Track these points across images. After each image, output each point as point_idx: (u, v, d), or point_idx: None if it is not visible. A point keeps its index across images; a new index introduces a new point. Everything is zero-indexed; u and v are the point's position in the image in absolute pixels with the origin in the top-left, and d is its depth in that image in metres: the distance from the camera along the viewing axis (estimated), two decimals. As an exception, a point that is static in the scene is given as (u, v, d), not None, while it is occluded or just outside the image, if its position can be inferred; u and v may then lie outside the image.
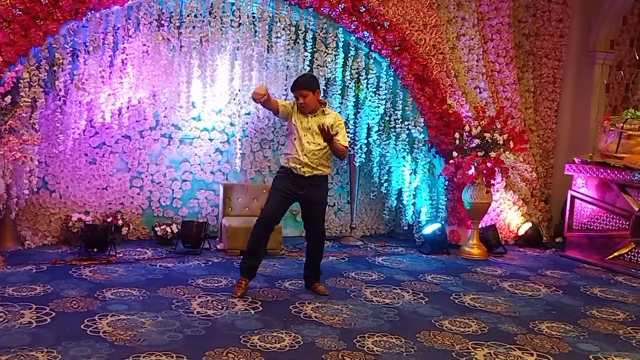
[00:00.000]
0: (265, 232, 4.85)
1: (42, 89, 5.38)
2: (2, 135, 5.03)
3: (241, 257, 5.04)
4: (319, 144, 4.77)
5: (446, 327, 4.42)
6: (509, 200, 7.65)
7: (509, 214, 7.70)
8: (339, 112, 6.63)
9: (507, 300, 5.21)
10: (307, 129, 4.79)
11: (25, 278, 4.98)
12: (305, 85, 4.78)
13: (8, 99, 4.95)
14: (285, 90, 6.38)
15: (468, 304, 5.04)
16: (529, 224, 7.74)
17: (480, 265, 6.44)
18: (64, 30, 5.36)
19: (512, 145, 6.72)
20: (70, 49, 5.45)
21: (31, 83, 5.28)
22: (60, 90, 5.51)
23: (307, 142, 4.77)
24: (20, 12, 5.10)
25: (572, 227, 7.16)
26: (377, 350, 3.87)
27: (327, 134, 4.63)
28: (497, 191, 7.35)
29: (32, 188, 5.68)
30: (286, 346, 3.85)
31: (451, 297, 5.20)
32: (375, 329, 4.27)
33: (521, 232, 7.74)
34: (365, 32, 6.33)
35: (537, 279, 6.04)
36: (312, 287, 5.09)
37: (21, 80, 5.19)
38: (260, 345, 3.83)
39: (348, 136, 6.73)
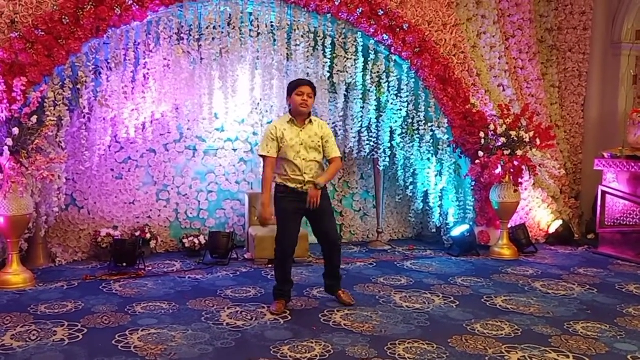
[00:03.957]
0: (289, 259, 4.83)
1: (67, 108, 5.47)
2: (29, 154, 5.11)
3: (274, 278, 4.94)
4: (314, 158, 4.73)
5: (478, 330, 4.35)
6: (538, 198, 7.53)
7: (539, 212, 7.58)
8: (361, 117, 6.63)
9: (540, 300, 5.12)
10: (300, 144, 4.69)
11: (57, 295, 5.05)
12: (312, 85, 4.77)
13: (34, 118, 5.02)
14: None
15: (500, 306, 4.96)
16: (560, 222, 7.60)
17: (511, 266, 6.34)
18: (86, 48, 5.44)
19: (538, 142, 6.63)
20: (93, 66, 5.53)
21: (56, 102, 5.37)
22: (84, 107, 5.58)
23: (304, 160, 4.68)
24: (43, 33, 5.19)
25: (605, 223, 7.01)
26: (408, 357, 3.83)
27: (315, 203, 4.66)
28: (526, 190, 7.24)
29: (60, 205, 5.77)
30: (316, 356, 3.83)
31: (482, 300, 5.13)
32: (406, 336, 4.22)
33: (552, 230, 7.60)
34: (384, 35, 6.30)
35: (570, 277, 5.92)
36: (336, 296, 4.99)
37: (46, 100, 5.28)
38: (290, 356, 3.81)
39: (371, 140, 6.78)
